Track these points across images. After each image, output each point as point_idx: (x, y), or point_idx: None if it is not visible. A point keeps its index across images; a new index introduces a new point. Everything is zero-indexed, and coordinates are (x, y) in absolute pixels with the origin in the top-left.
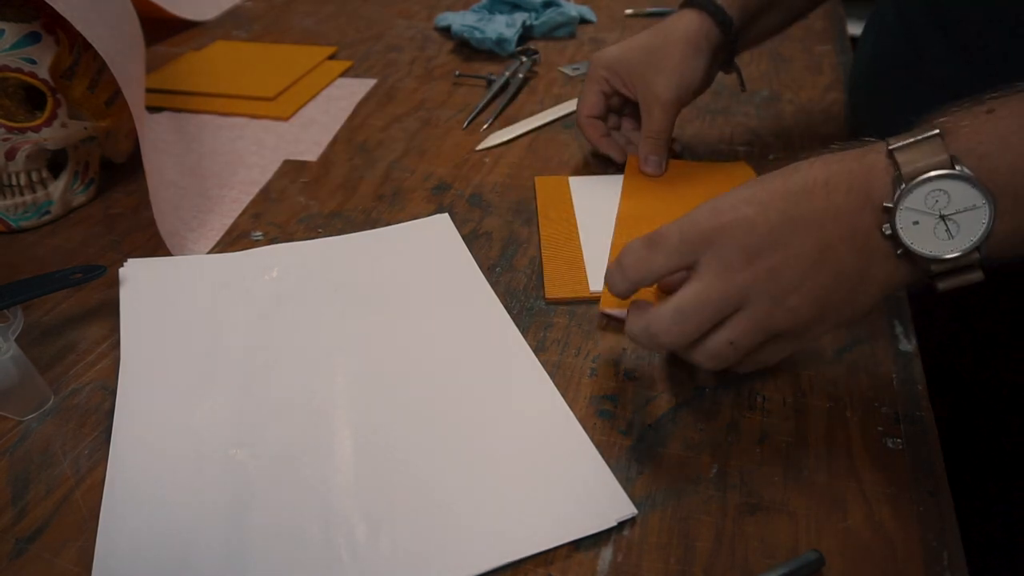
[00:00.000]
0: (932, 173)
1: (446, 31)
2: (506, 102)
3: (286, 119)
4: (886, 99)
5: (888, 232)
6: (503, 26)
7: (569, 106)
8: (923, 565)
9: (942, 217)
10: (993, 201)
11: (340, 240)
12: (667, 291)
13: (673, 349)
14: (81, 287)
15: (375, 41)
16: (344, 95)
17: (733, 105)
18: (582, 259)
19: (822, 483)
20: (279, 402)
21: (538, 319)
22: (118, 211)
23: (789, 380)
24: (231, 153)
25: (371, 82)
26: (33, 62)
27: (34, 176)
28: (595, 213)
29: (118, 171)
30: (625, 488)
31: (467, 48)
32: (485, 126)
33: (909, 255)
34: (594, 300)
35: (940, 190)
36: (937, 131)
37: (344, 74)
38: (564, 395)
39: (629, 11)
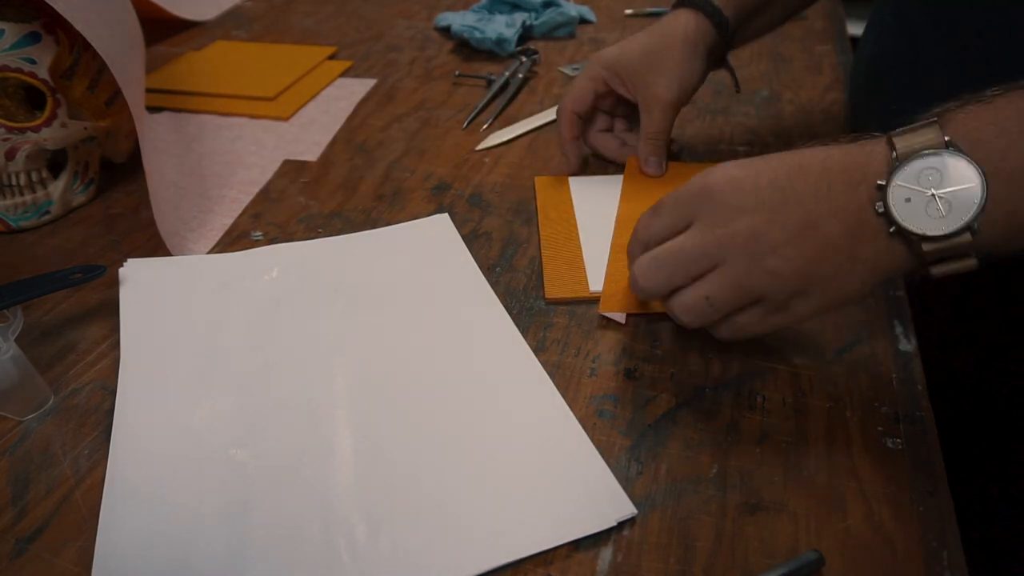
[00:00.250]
0: (925, 151)
1: (446, 31)
2: (506, 102)
3: (286, 119)
4: (886, 99)
5: (880, 210)
6: (503, 26)
7: None
8: (923, 565)
9: (934, 196)
10: (986, 181)
11: (340, 240)
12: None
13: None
14: (81, 287)
15: (375, 41)
16: (344, 95)
17: (733, 105)
18: (582, 259)
19: (822, 483)
20: (279, 402)
21: (538, 319)
22: (118, 211)
23: (789, 380)
24: (231, 153)
25: (371, 82)
26: (33, 62)
27: (34, 176)
28: (595, 213)
29: (118, 171)
30: (625, 488)
31: (467, 48)
32: (485, 126)
33: (901, 233)
34: (594, 300)
35: (933, 168)
36: (935, 119)
37: (344, 74)
38: (564, 395)
39: (629, 11)
